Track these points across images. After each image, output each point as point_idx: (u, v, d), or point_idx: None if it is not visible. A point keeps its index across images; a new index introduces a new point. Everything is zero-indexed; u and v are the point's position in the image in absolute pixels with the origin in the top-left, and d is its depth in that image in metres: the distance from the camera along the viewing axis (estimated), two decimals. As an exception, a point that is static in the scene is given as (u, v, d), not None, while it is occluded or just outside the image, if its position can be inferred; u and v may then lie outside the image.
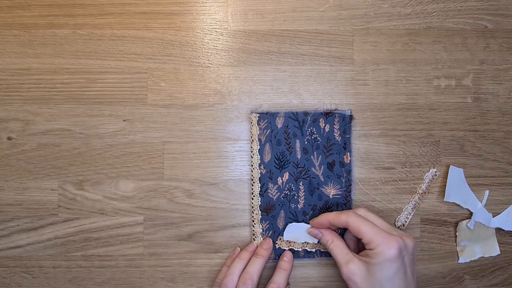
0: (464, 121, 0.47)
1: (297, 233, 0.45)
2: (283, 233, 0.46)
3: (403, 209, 0.46)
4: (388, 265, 0.38)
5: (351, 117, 0.46)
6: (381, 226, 0.40)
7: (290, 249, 0.46)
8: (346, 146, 0.46)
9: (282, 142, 0.46)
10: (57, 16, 0.46)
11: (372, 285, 0.38)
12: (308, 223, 0.45)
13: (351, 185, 0.46)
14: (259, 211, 0.46)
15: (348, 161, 0.46)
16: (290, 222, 0.46)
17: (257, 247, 0.45)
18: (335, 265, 0.46)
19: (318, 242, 0.45)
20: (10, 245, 0.46)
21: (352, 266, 0.39)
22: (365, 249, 0.40)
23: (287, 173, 0.46)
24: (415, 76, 0.47)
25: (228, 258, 0.45)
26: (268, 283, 0.43)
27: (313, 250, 0.45)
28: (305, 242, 0.46)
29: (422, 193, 0.46)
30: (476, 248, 0.46)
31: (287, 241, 0.45)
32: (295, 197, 0.46)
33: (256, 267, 0.43)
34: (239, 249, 0.46)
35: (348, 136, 0.46)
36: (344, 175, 0.46)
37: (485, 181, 0.47)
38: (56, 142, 0.46)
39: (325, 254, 0.46)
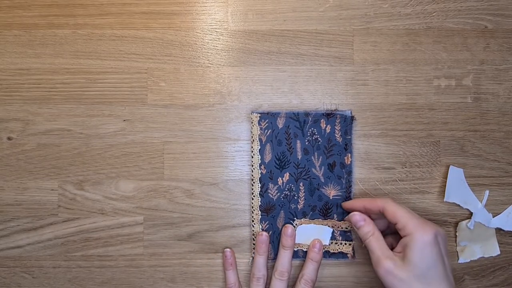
0: (464, 121, 0.47)
1: (307, 235, 0.45)
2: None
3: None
4: (428, 250, 0.37)
5: (352, 118, 0.46)
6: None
7: (299, 250, 0.45)
8: (347, 147, 0.46)
9: (283, 142, 0.46)
10: (57, 16, 0.46)
11: (415, 277, 0.37)
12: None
13: (351, 186, 0.46)
14: (259, 211, 0.46)
15: (349, 162, 0.46)
16: (290, 223, 0.45)
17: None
18: (335, 265, 0.46)
19: (328, 243, 0.45)
20: (10, 245, 0.46)
21: (391, 262, 0.38)
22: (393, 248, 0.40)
23: (288, 174, 0.46)
24: (415, 76, 0.47)
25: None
26: (298, 277, 0.43)
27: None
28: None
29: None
30: (476, 248, 0.46)
31: (296, 243, 0.45)
32: (295, 198, 0.46)
33: (285, 259, 0.44)
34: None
35: (349, 137, 0.46)
36: (345, 176, 0.46)
37: (485, 181, 0.47)
38: (56, 142, 0.46)
39: (328, 255, 0.45)
